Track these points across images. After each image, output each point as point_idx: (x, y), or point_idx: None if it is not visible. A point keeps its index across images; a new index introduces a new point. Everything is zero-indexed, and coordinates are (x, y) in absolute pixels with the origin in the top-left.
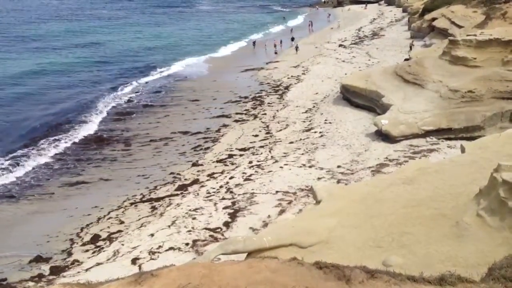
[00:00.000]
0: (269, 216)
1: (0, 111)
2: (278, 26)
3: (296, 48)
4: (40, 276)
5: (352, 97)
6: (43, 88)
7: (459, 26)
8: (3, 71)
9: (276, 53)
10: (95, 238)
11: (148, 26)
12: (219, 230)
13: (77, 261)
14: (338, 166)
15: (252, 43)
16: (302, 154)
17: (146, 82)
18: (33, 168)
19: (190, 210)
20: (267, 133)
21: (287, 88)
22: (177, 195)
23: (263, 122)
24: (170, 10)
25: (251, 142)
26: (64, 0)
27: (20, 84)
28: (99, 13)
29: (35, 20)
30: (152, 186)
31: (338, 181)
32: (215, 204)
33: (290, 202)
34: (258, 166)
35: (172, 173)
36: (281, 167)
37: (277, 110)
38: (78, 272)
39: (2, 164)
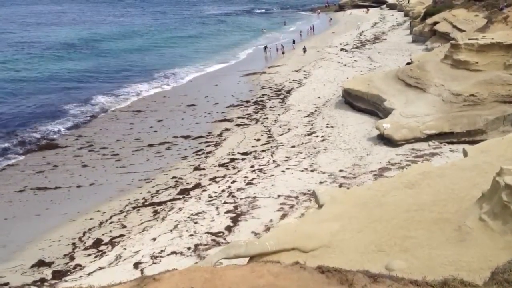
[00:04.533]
0: (271, 220)
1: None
2: (281, 30)
3: (304, 49)
4: (42, 280)
5: (354, 101)
6: (42, 91)
7: (461, 30)
8: None
9: (283, 53)
10: (97, 243)
11: (152, 31)
12: (221, 234)
13: (79, 265)
14: (340, 170)
15: (264, 48)
16: (304, 158)
17: (147, 86)
18: (28, 170)
19: (192, 214)
20: (269, 137)
21: (288, 92)
22: (179, 199)
23: (265, 126)
24: (176, 14)
25: (253, 146)
26: (71, 5)
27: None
28: (103, 19)
29: (39, 25)
30: (154, 190)
31: (340, 185)
32: (217, 208)
33: (292, 206)
34: (260, 170)
35: (174, 177)
36: (283, 171)
37: (279, 114)
38: (80, 276)
39: None
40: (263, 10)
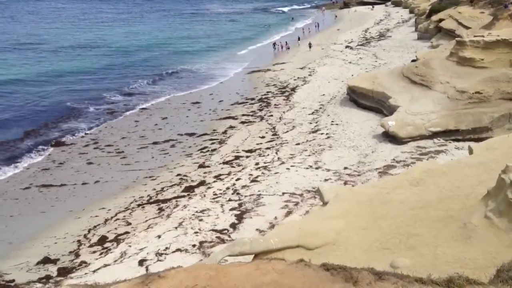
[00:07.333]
0: (275, 218)
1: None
2: (287, 28)
3: (310, 45)
4: (48, 277)
5: (359, 98)
6: (50, 90)
7: (466, 27)
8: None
9: (288, 48)
10: (102, 240)
11: (156, 30)
12: (226, 231)
13: (85, 262)
14: (345, 168)
15: (273, 44)
16: (309, 155)
17: (153, 84)
18: (33, 168)
19: (197, 211)
20: (274, 134)
21: (293, 89)
22: (184, 196)
23: (269, 124)
24: (181, 13)
25: (257, 144)
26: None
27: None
28: (104, 17)
29: (45, 25)
30: (159, 187)
31: (345, 183)
32: (221, 205)
33: (296, 204)
34: (265, 167)
35: (179, 174)
36: (287, 168)
37: (284, 112)
38: (86, 273)
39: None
40: (274, 10)
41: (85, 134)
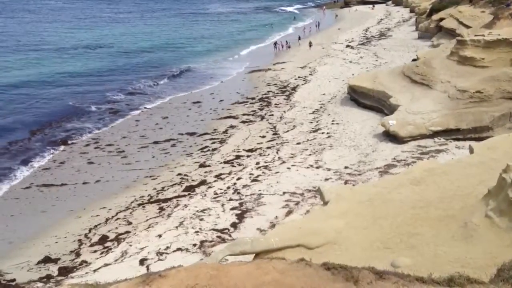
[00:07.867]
0: (276, 217)
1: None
2: (289, 27)
3: (310, 44)
4: (49, 276)
5: (359, 97)
6: (52, 91)
7: (467, 26)
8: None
9: (289, 47)
10: (103, 239)
11: (157, 30)
12: (226, 231)
13: (85, 261)
14: (346, 167)
15: (274, 44)
16: (309, 155)
17: (154, 84)
18: (36, 168)
19: (197, 211)
20: (274, 134)
21: (294, 89)
22: (184, 196)
23: (270, 123)
24: (183, 13)
25: (258, 143)
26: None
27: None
28: (106, 16)
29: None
30: (160, 187)
31: (346, 182)
32: (222, 205)
33: (297, 203)
34: (265, 167)
35: (179, 174)
36: (288, 168)
37: (284, 111)
38: (86, 272)
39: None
40: (278, 10)
41: (85, 133)
